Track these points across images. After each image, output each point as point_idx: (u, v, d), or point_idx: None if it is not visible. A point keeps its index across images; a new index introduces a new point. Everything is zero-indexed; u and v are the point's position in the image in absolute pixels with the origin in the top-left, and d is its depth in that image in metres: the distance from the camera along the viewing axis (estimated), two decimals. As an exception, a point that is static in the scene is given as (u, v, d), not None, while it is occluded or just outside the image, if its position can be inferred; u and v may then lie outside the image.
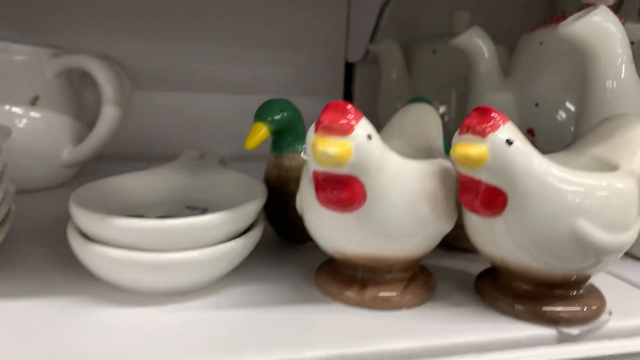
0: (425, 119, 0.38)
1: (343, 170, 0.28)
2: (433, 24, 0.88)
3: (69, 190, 0.34)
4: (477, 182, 0.29)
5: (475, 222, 0.32)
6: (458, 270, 0.39)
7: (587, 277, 0.33)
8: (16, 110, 0.54)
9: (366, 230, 0.30)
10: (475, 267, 0.38)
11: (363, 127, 0.28)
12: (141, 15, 0.75)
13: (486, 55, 0.60)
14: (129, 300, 0.32)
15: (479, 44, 0.60)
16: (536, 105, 0.57)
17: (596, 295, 0.33)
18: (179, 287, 0.32)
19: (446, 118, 0.77)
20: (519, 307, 0.32)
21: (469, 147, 0.28)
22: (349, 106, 0.28)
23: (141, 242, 0.30)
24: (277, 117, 0.37)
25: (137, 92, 0.77)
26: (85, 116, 0.61)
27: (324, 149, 0.26)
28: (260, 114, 0.37)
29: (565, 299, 0.32)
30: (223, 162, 0.50)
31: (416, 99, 0.53)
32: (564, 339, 0.31)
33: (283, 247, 0.42)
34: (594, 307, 0.32)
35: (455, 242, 0.43)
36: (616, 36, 0.41)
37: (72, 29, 0.73)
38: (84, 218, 0.31)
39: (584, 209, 0.29)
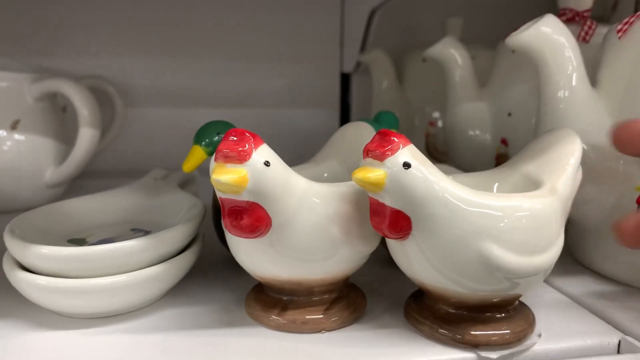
0: (361, 138, 0.38)
1: (243, 197, 0.28)
2: (427, 30, 0.87)
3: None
4: (383, 206, 0.29)
5: (392, 244, 0.32)
6: (398, 289, 0.38)
7: (514, 299, 0.32)
8: (-1, 133, 0.56)
9: (279, 254, 0.30)
10: (414, 287, 0.38)
11: (261, 154, 0.28)
12: (134, 33, 0.77)
13: (460, 65, 0.59)
14: (59, 323, 0.33)
15: (452, 54, 0.59)
16: (509, 114, 0.56)
17: (524, 318, 0.33)
18: (107, 310, 0.33)
19: (439, 125, 0.76)
20: (440, 330, 0.32)
21: (367, 171, 0.28)
22: (247, 134, 0.28)
23: (63, 269, 0.31)
24: (214, 139, 0.38)
25: (131, 110, 0.79)
26: (67, 137, 0.63)
27: (219, 177, 0.27)
28: (197, 137, 0.38)
29: (488, 322, 0.32)
30: (191, 182, 0.51)
31: (380, 114, 0.53)
32: (483, 364, 0.30)
33: (231, 266, 0.43)
34: (518, 330, 0.31)
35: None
36: (564, 45, 0.40)
37: (65, 49, 0.75)
38: (12, 246, 0.32)
39: (490, 231, 0.29)
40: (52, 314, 0.34)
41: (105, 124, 0.72)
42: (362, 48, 0.82)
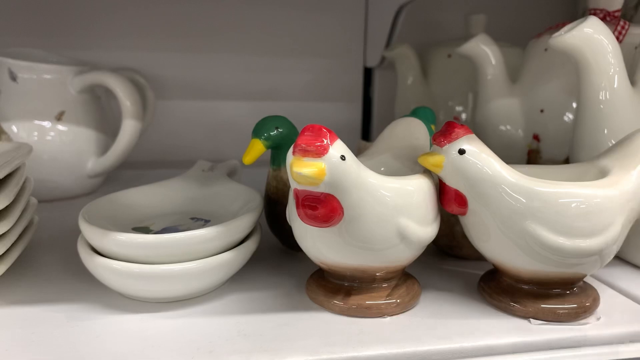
0: (412, 132, 0.40)
1: (319, 189, 0.30)
2: (450, 27, 0.89)
3: (94, 199, 0.38)
4: (445, 185, 0.32)
5: (464, 222, 0.34)
6: (446, 279, 0.40)
7: (575, 279, 0.34)
8: (44, 124, 0.58)
9: (347, 244, 0.32)
10: (463, 274, 0.40)
11: (337, 148, 0.29)
12: (165, 28, 0.78)
13: (493, 63, 0.61)
14: (130, 306, 0.35)
15: (485, 51, 0.61)
16: (541, 111, 0.57)
17: (585, 299, 0.35)
18: (177, 295, 0.35)
19: (463, 118, 0.78)
20: (501, 300, 0.35)
21: (428, 155, 0.32)
22: (324, 130, 0.30)
23: (139, 255, 0.33)
24: (272, 133, 0.40)
25: (160, 102, 0.81)
26: (108, 128, 0.64)
27: (299, 170, 0.28)
28: (257, 131, 0.40)
29: (550, 297, 0.34)
30: (234, 172, 0.53)
31: (417, 109, 0.55)
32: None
33: (283, 254, 0.44)
34: (575, 308, 0.34)
35: (450, 250, 0.44)
36: (607, 47, 0.41)
37: (99, 43, 0.76)
38: (89, 232, 0.34)
39: (535, 213, 0.32)
40: (120, 297, 0.35)
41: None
42: (387, 43, 0.83)
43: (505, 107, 0.60)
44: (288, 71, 0.85)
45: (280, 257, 0.43)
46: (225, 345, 0.31)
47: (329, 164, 0.29)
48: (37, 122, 0.58)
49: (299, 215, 0.31)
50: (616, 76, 0.42)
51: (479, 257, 0.42)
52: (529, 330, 0.33)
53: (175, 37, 0.80)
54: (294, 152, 0.29)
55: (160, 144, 0.83)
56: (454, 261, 0.44)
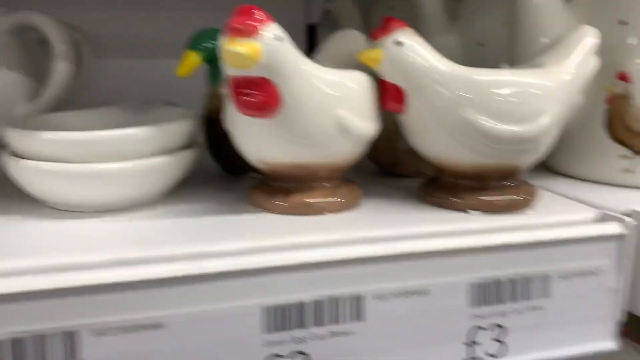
0: (352, 43, 0.39)
1: (255, 72, 0.29)
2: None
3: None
4: (384, 81, 0.32)
5: (403, 119, 0.33)
6: (389, 189, 0.40)
7: (510, 171, 0.35)
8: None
9: (286, 137, 0.31)
10: (405, 187, 0.40)
11: (272, 30, 0.29)
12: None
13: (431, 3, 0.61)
14: (58, 214, 0.33)
15: None
16: (481, 45, 0.58)
17: (522, 192, 0.36)
18: (109, 201, 0.33)
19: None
20: (439, 196, 0.35)
21: (368, 50, 0.31)
22: (258, 10, 0.29)
23: (69, 154, 0.31)
24: (207, 45, 0.38)
25: (99, 60, 0.78)
26: (40, 75, 0.61)
27: (233, 48, 0.28)
28: (191, 43, 0.39)
29: (485, 190, 0.35)
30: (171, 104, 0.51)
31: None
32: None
33: (225, 179, 0.43)
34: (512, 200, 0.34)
35: (392, 168, 0.44)
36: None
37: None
38: (14, 137, 0.32)
39: (473, 100, 0.32)
40: (52, 209, 0.34)
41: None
42: (330, -3, 0.83)
43: (445, 44, 0.60)
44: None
45: (221, 182, 0.42)
46: (159, 237, 0.30)
47: (264, 44, 0.28)
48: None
49: (235, 105, 0.30)
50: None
51: (420, 174, 0.42)
52: (468, 219, 0.33)
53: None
54: (226, 34, 0.28)
55: (97, 102, 0.80)
56: (396, 179, 0.44)
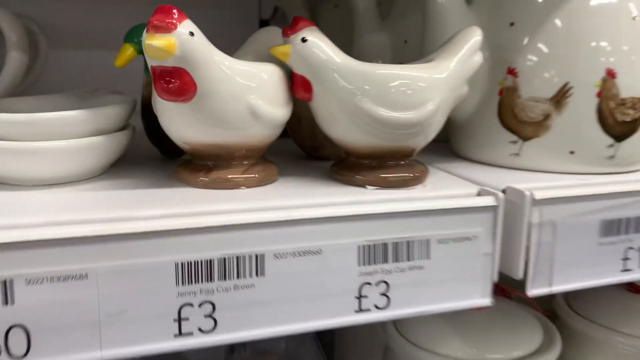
0: (272, 39, 0.44)
1: (171, 63, 0.34)
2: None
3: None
4: (294, 74, 0.37)
5: (313, 108, 0.39)
6: (307, 170, 0.46)
7: (406, 152, 0.40)
8: None
9: (202, 120, 0.36)
10: (322, 168, 0.45)
11: (186, 26, 0.34)
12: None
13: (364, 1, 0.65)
14: (8, 187, 0.37)
15: None
16: (405, 42, 0.63)
17: (414, 170, 0.41)
18: (49, 175, 0.38)
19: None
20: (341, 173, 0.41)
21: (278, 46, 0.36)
22: (174, 9, 0.34)
23: (12, 134, 0.36)
24: (141, 38, 0.43)
25: (54, 51, 0.81)
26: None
27: (151, 42, 0.32)
28: (127, 37, 0.43)
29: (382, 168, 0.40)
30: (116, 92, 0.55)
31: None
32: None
33: (161, 161, 0.48)
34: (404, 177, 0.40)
35: (314, 151, 0.50)
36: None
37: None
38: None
39: (367, 91, 0.37)
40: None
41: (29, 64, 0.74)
42: (279, -5, 0.88)
43: (375, 41, 0.65)
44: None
45: (157, 163, 0.47)
46: (89, 204, 0.34)
47: (178, 39, 0.33)
48: None
49: (156, 91, 0.35)
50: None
51: (337, 156, 0.47)
52: (365, 193, 0.39)
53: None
54: (146, 30, 0.33)
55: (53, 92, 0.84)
56: (317, 161, 0.49)
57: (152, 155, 0.49)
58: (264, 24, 0.96)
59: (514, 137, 0.46)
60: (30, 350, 0.30)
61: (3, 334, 0.30)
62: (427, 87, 0.38)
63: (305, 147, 0.50)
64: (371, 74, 0.38)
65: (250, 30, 0.92)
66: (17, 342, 0.30)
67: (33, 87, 0.78)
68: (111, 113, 0.39)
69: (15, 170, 0.37)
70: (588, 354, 0.57)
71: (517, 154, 0.47)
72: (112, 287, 0.31)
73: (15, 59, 0.61)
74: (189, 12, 0.84)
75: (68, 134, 0.37)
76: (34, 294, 0.30)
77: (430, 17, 0.49)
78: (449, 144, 0.54)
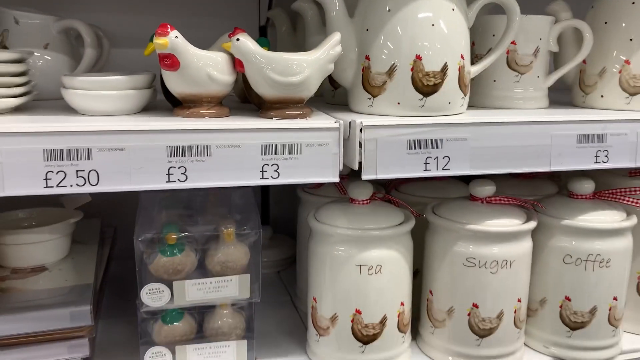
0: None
1: (166, 51, 0.69)
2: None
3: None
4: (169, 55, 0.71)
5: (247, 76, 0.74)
6: (248, 112, 0.80)
7: (298, 100, 0.74)
8: (36, 51, 0.96)
9: (183, 81, 0.71)
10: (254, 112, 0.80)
11: (174, 32, 0.69)
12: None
13: (335, 2, 0.78)
14: (85, 116, 0.74)
15: None
16: (367, 30, 0.78)
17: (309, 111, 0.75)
18: (115, 109, 0.74)
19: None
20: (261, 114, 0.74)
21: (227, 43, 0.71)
22: (168, 25, 0.69)
23: (91, 87, 0.72)
24: (159, 39, 0.79)
25: (114, 49, 1.19)
26: (77, 58, 1.02)
27: (156, 41, 0.68)
28: (150, 39, 0.79)
29: (287, 109, 0.74)
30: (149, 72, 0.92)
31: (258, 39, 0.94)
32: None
33: (170, 107, 0.84)
34: (301, 112, 0.74)
35: (253, 101, 0.84)
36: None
37: (72, 3, 1.14)
38: (67, 80, 0.73)
39: (271, 65, 0.71)
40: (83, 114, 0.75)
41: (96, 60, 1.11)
42: (269, 7, 1.23)
43: (345, 36, 0.77)
44: (190, 28, 1.23)
45: (167, 108, 0.83)
46: (129, 121, 0.70)
47: (169, 39, 0.69)
48: (31, 49, 0.96)
49: (160, 66, 0.70)
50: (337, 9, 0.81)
51: (260, 103, 0.80)
52: (272, 122, 0.73)
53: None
54: (154, 35, 0.69)
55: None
56: (249, 106, 0.84)
57: (165, 105, 0.85)
58: (262, 28, 1.31)
59: (369, 95, 0.80)
60: (99, 182, 0.66)
61: (87, 173, 0.66)
62: (303, 65, 0.73)
63: (252, 100, 0.85)
64: (274, 57, 0.72)
65: (253, 34, 1.29)
66: (93, 178, 0.66)
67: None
68: (141, 78, 0.75)
69: (92, 106, 0.73)
70: (438, 236, 0.89)
71: (371, 105, 0.80)
72: (136, 154, 0.67)
73: (89, 54, 0.98)
74: (200, 20, 1.21)
75: (120, 88, 0.73)
76: (101, 156, 0.66)
77: (328, 23, 0.82)
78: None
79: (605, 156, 0.82)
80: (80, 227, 1.01)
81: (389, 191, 1.02)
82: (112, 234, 1.15)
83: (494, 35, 0.89)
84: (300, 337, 0.94)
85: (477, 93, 0.91)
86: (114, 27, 1.19)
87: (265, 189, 1.37)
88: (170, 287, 0.79)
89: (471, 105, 0.90)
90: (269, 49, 0.77)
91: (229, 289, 0.81)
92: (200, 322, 0.85)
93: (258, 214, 0.85)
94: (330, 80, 0.95)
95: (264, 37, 1.33)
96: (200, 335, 0.85)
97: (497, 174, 1.00)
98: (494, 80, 0.91)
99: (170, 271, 0.79)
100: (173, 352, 0.82)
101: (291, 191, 1.09)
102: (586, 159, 0.81)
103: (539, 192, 1.01)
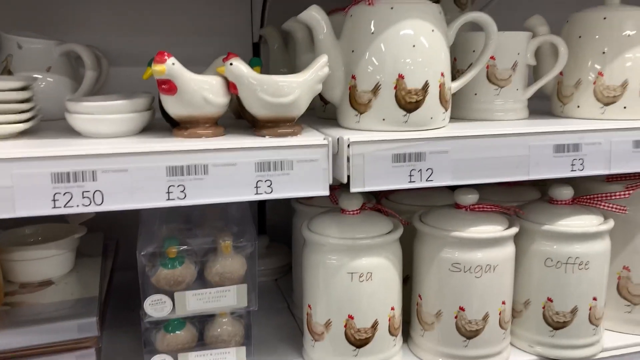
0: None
1: (164, 77, 0.74)
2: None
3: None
4: (166, 80, 0.76)
5: (241, 97, 0.78)
6: (243, 130, 0.85)
7: (289, 119, 0.79)
8: (37, 75, 1.00)
9: (180, 104, 0.76)
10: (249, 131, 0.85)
11: (171, 60, 0.74)
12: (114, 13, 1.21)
13: (323, 26, 0.82)
14: (91, 140, 0.79)
15: (317, 18, 0.81)
16: (352, 51, 0.82)
17: (301, 129, 0.80)
18: (116, 131, 0.78)
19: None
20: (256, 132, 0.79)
21: (222, 67, 0.75)
22: (166, 53, 0.74)
23: (96, 110, 0.77)
24: (157, 64, 0.83)
25: (112, 68, 1.23)
26: (78, 79, 1.07)
27: (154, 67, 0.73)
28: (149, 63, 0.83)
29: (278, 128, 0.79)
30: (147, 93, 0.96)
31: (251, 59, 0.99)
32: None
33: (169, 128, 0.88)
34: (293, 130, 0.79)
35: (247, 120, 0.89)
36: (320, 20, 0.85)
37: (72, 25, 1.19)
38: (70, 105, 0.78)
39: (263, 87, 0.76)
40: (86, 137, 0.79)
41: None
42: (262, 25, 1.28)
43: (332, 57, 0.82)
44: (190, 46, 1.28)
45: (166, 128, 0.87)
46: (130, 143, 0.75)
47: (167, 66, 0.73)
48: (34, 73, 1.01)
49: (159, 90, 0.75)
50: (326, 31, 0.86)
51: (253, 120, 0.84)
52: (264, 140, 0.78)
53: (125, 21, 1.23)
54: (153, 61, 0.73)
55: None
56: (243, 122, 0.88)
57: (164, 125, 0.90)
58: (255, 45, 1.36)
59: (356, 112, 0.85)
60: (104, 202, 0.71)
61: (92, 193, 0.70)
62: (293, 86, 0.77)
63: (246, 119, 0.89)
64: (266, 79, 0.77)
65: (246, 51, 1.34)
66: (98, 198, 0.71)
67: (99, 92, 1.20)
68: (141, 101, 0.80)
69: (96, 130, 0.78)
70: (425, 243, 0.93)
71: (358, 122, 0.85)
72: (138, 174, 0.71)
73: (90, 75, 1.02)
74: (196, 39, 1.26)
75: (121, 111, 0.78)
76: (105, 177, 0.70)
77: (316, 45, 0.87)
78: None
79: (581, 164, 0.87)
80: (84, 241, 1.06)
81: (379, 200, 1.07)
82: (115, 247, 1.19)
83: (474, 51, 0.93)
84: (296, 343, 0.98)
85: (460, 106, 0.96)
86: (112, 46, 1.23)
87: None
88: (172, 297, 0.83)
89: (455, 118, 0.95)
90: (261, 68, 0.83)
91: (227, 298, 0.86)
92: (201, 330, 0.90)
93: (254, 226, 0.90)
94: (321, 96, 1.00)
95: (257, 53, 1.39)
96: (201, 343, 0.89)
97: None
98: (475, 94, 0.95)
99: (172, 283, 0.83)
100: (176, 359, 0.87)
101: (287, 201, 1.13)
102: (563, 167, 0.86)
103: (522, 199, 1.06)
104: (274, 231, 1.41)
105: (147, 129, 0.85)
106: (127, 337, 0.99)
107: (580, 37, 0.96)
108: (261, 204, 1.43)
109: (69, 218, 1.05)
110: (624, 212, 0.92)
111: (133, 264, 0.82)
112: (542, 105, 1.07)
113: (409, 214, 0.95)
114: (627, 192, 0.92)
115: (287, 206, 1.15)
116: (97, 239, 1.15)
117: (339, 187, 0.97)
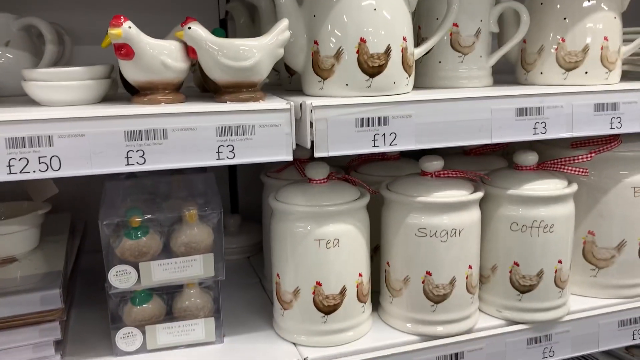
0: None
1: (121, 41, 0.73)
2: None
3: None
4: (123, 45, 0.75)
5: (201, 62, 0.77)
6: (208, 99, 0.84)
7: (251, 84, 0.78)
8: (-3, 49, 0.98)
9: (138, 69, 0.75)
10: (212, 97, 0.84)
11: (128, 23, 0.72)
12: None
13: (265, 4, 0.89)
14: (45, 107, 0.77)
15: None
16: (314, 16, 0.82)
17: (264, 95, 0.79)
18: (75, 99, 0.77)
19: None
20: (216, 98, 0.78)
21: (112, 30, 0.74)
22: (122, 16, 0.72)
23: (51, 78, 0.75)
24: (116, 32, 0.82)
25: (76, 47, 1.21)
26: (39, 54, 1.05)
27: (110, 31, 0.71)
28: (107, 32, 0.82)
29: (240, 93, 0.78)
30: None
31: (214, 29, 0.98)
32: (225, 109, 0.76)
33: (128, 97, 0.87)
34: (251, 96, 0.78)
35: (210, 88, 0.88)
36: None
37: (36, 3, 1.16)
38: (28, 73, 0.76)
39: (222, 51, 0.75)
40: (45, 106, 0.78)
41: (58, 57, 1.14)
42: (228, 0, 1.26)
43: (294, 23, 0.82)
44: (159, 25, 1.26)
45: (126, 97, 0.86)
46: (89, 110, 0.74)
47: (123, 29, 0.72)
48: (-8, 48, 0.98)
49: (116, 55, 0.74)
50: None
51: (216, 90, 0.84)
52: (225, 105, 0.77)
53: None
54: (109, 26, 0.72)
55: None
56: (208, 94, 0.88)
57: (126, 96, 0.88)
58: (222, 22, 1.34)
59: (319, 78, 0.84)
60: (61, 167, 0.70)
61: (49, 159, 0.69)
62: (253, 50, 0.77)
63: (208, 88, 0.88)
64: (225, 43, 0.76)
65: (213, 27, 1.33)
66: (55, 163, 0.69)
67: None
68: (99, 69, 0.79)
69: (53, 97, 0.77)
70: (392, 210, 0.94)
71: (321, 88, 0.84)
72: (96, 139, 0.70)
73: (50, 49, 1.00)
74: (162, 17, 1.24)
75: (79, 78, 0.76)
76: (62, 142, 0.69)
77: (277, 10, 0.86)
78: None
79: (544, 127, 0.87)
80: (51, 221, 1.04)
81: (348, 172, 1.07)
82: (83, 228, 1.18)
83: (437, 18, 0.94)
84: (267, 315, 0.98)
85: (425, 74, 0.96)
86: (76, 25, 1.21)
87: (233, 178, 1.41)
88: (137, 268, 0.82)
89: (420, 86, 0.95)
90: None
91: (194, 268, 0.85)
92: (169, 302, 0.89)
93: (219, 197, 0.89)
94: (287, 67, 0.99)
95: (225, 29, 1.38)
96: (169, 316, 0.89)
97: (449, 152, 1.06)
98: (440, 62, 0.96)
99: (136, 254, 0.83)
100: (143, 333, 0.86)
101: (258, 180, 1.12)
102: (525, 130, 0.87)
103: (489, 167, 1.07)
104: (246, 210, 1.41)
105: (108, 100, 0.84)
106: (95, 315, 0.97)
107: (542, 4, 0.97)
108: (233, 183, 1.42)
109: (31, 194, 1.03)
110: (585, 174, 0.94)
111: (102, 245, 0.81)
112: (509, 78, 1.07)
113: (377, 185, 0.96)
114: (589, 155, 0.93)
115: (259, 185, 1.15)
116: (64, 220, 1.14)
117: (307, 161, 0.97)
